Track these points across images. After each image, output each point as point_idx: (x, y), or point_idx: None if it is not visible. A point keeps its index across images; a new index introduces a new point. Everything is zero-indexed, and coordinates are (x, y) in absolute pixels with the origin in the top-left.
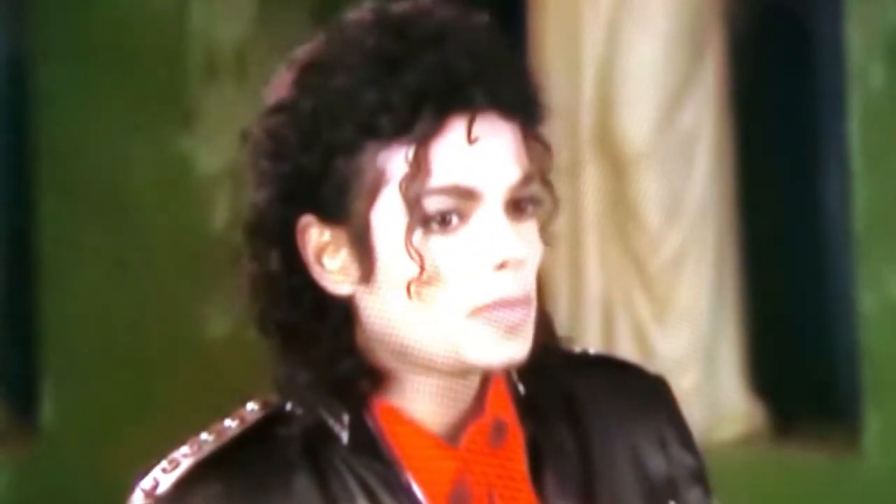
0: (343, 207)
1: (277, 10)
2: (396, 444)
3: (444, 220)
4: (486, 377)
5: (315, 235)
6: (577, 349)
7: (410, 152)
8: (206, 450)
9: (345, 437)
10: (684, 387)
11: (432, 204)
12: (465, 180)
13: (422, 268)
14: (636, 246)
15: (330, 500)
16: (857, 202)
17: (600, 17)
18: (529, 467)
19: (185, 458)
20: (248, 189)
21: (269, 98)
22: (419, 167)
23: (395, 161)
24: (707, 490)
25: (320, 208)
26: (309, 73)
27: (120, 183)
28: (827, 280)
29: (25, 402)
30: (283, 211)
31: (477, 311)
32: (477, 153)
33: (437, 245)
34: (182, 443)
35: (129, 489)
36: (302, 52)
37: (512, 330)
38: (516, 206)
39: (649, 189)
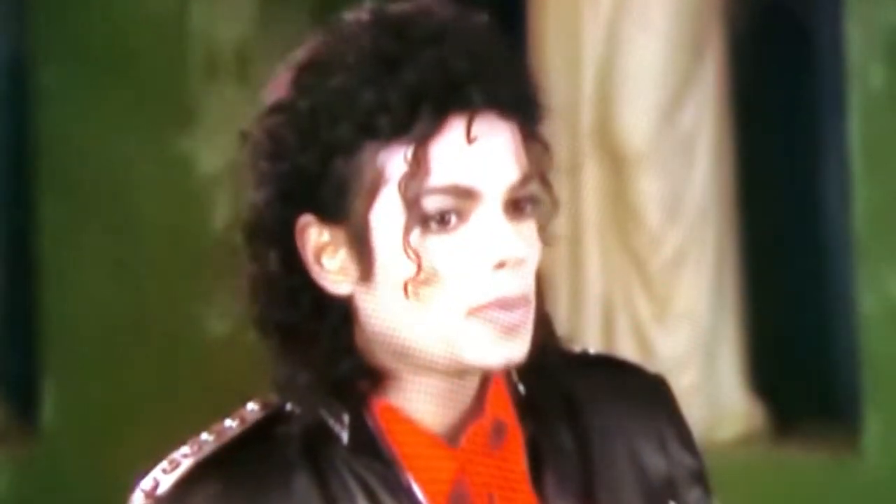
0: (342, 207)
1: (277, 10)
2: (396, 444)
3: (442, 219)
4: (486, 377)
5: (314, 235)
6: (577, 349)
7: (409, 152)
8: (207, 450)
9: (345, 437)
10: (684, 386)
11: (431, 203)
12: (464, 180)
13: (419, 267)
14: (636, 246)
15: (330, 500)
16: (857, 202)
17: (600, 17)
18: (529, 467)
19: (185, 458)
20: (246, 189)
21: (267, 98)
22: (418, 166)
23: (394, 161)
24: (707, 490)
25: (319, 208)
26: (307, 74)
27: (120, 183)
28: (827, 280)
29: (25, 402)
30: (282, 211)
31: (475, 311)
32: (476, 153)
33: (435, 244)
34: (182, 443)
35: (129, 489)
36: (300, 52)
37: (510, 330)
38: (515, 206)
39: (649, 189)
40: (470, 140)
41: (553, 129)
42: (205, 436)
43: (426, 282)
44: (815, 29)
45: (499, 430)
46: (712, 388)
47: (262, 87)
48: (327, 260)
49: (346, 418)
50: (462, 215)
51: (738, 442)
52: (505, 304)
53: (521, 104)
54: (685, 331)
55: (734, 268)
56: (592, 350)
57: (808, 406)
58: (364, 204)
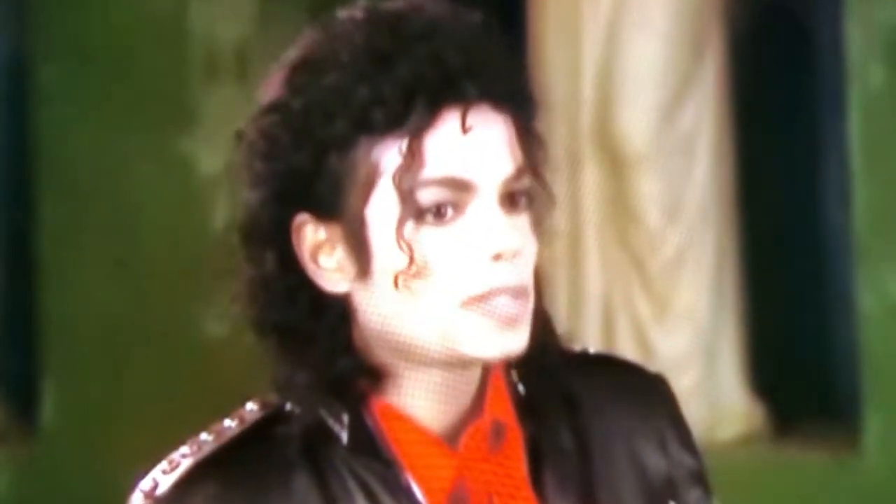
0: (337, 204)
1: (277, 10)
2: (396, 443)
3: (439, 212)
4: (486, 376)
5: (310, 234)
6: (578, 348)
7: (404, 144)
8: (206, 450)
9: (344, 437)
10: (684, 386)
11: (427, 196)
12: (459, 172)
13: (411, 259)
14: (636, 246)
15: (329, 501)
16: (857, 202)
17: (600, 17)
18: (529, 468)
19: (184, 458)
20: (242, 191)
21: (261, 99)
22: (412, 159)
23: (389, 154)
24: (707, 490)
25: (315, 206)
26: (299, 72)
27: (120, 183)
28: (827, 280)
29: (25, 402)
30: (278, 211)
31: (471, 302)
32: (470, 145)
33: (431, 236)
34: (182, 443)
35: (129, 489)
36: (293, 51)
37: (508, 321)
38: (511, 200)
39: (649, 189)
40: (465, 130)
41: (551, 127)
42: (204, 436)
43: (422, 274)
44: (815, 29)
45: (498, 430)
46: (712, 388)
47: (261, 87)
48: (324, 258)
49: (345, 418)
50: (458, 208)
51: (738, 442)
52: (502, 293)
53: (515, 97)
54: (685, 331)
55: (734, 268)
56: (592, 349)
57: (808, 406)
58: (359, 199)
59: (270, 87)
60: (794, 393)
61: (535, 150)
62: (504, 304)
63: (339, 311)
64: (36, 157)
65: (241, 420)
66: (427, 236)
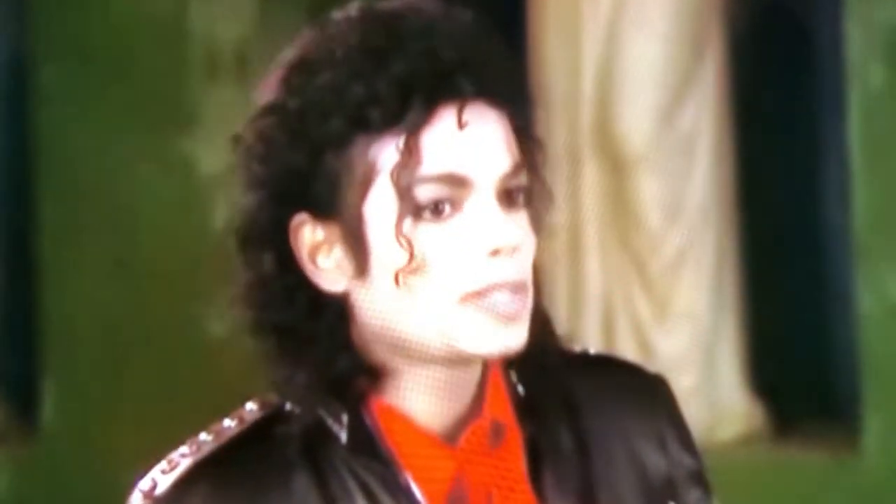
0: (335, 202)
1: (277, 11)
2: (395, 443)
3: (436, 208)
4: (485, 376)
5: (308, 234)
6: (578, 348)
7: (401, 142)
8: (205, 450)
9: (343, 436)
10: (684, 387)
11: (424, 192)
12: (456, 168)
13: (411, 255)
14: (636, 246)
15: (329, 500)
16: (857, 202)
17: (600, 17)
18: (528, 468)
19: (183, 458)
20: (239, 193)
21: (257, 101)
22: (410, 155)
23: (386, 152)
24: (706, 490)
25: (312, 205)
26: (295, 73)
27: (120, 183)
28: (827, 280)
29: (25, 402)
30: (276, 212)
31: (469, 297)
32: (467, 141)
33: (429, 233)
34: (182, 443)
35: (129, 489)
36: (288, 52)
37: (507, 318)
38: (508, 197)
39: (649, 189)
40: (461, 125)
41: (551, 127)
42: (203, 436)
43: (420, 270)
44: (815, 29)
45: (498, 430)
46: (712, 388)
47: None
48: (322, 258)
49: (344, 418)
50: (456, 204)
51: (738, 442)
52: (500, 288)
53: (511, 94)
54: (685, 331)
55: (734, 268)
56: (593, 350)
57: (808, 406)
58: (357, 197)
59: (266, 89)
60: (794, 393)
61: (531, 147)
62: (502, 299)
63: (337, 310)
64: (36, 157)
65: (241, 420)
66: (425, 233)
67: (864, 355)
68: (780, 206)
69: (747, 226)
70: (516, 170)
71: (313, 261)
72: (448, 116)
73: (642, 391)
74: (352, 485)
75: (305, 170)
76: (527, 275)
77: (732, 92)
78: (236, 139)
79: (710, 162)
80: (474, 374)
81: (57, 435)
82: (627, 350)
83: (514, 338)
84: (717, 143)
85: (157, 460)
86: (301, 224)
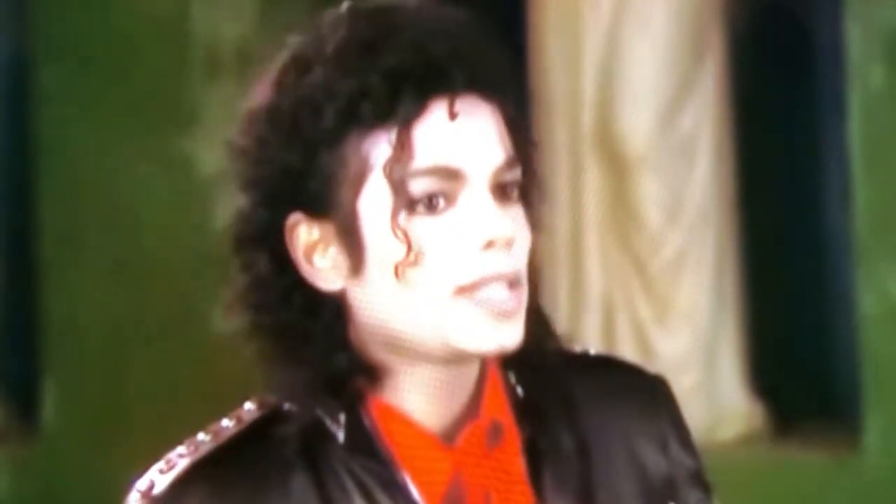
0: (330, 200)
1: (277, 10)
2: (392, 442)
3: (430, 202)
4: (483, 376)
5: (304, 233)
6: (578, 349)
7: (393, 136)
8: (203, 450)
9: (341, 436)
10: (684, 387)
11: (418, 186)
12: (449, 161)
13: (409, 247)
14: (636, 246)
15: (326, 500)
16: (857, 202)
17: (600, 17)
18: (528, 469)
19: (181, 458)
20: (234, 196)
21: (250, 103)
22: (402, 149)
23: (379, 147)
24: (707, 491)
25: (307, 205)
26: (286, 73)
27: (121, 183)
28: (827, 280)
29: (26, 401)
30: (270, 213)
31: (463, 290)
32: (460, 134)
33: (423, 226)
34: (181, 443)
35: (129, 489)
36: (281, 54)
37: (502, 314)
38: (502, 191)
39: (650, 189)
40: (452, 116)
41: (551, 127)
42: (201, 436)
43: (415, 263)
44: (815, 29)
45: (496, 431)
46: (712, 388)
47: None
48: (318, 258)
49: (342, 418)
50: (449, 198)
51: (739, 442)
52: (494, 280)
53: (502, 88)
54: (685, 331)
55: (734, 268)
56: (593, 350)
57: (808, 406)
58: (351, 193)
59: (259, 91)
60: (794, 393)
61: (524, 140)
62: (497, 293)
63: (334, 309)
64: (36, 157)
65: (239, 420)
66: (419, 226)
67: (864, 355)
68: (780, 206)
69: (747, 226)
70: (510, 163)
71: (309, 260)
72: (440, 109)
73: (642, 392)
74: (350, 484)
75: (299, 169)
76: (521, 269)
77: (732, 92)
78: (229, 144)
79: (710, 162)
80: (471, 373)
81: (57, 435)
82: (627, 350)
83: (510, 336)
84: (717, 143)
85: (157, 460)
86: (296, 224)
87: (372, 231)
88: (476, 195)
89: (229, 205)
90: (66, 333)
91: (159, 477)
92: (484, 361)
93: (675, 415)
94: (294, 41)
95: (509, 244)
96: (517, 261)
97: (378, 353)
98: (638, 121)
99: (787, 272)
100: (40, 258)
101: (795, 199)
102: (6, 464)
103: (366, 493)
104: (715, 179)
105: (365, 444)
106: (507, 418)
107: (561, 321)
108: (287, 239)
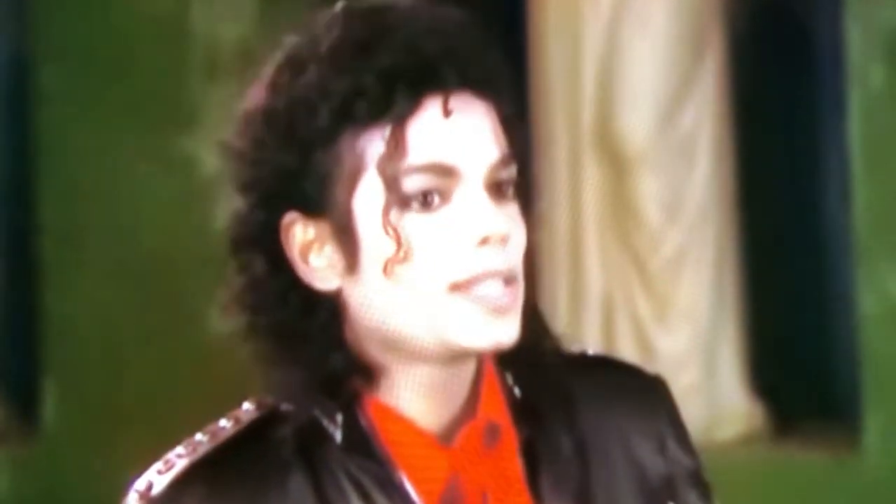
0: (325, 198)
1: (278, 11)
2: (389, 442)
3: (425, 199)
4: (479, 376)
5: (299, 233)
6: (576, 349)
7: (387, 133)
8: (201, 451)
9: (338, 436)
10: (684, 386)
11: (412, 183)
12: (442, 157)
13: (398, 244)
14: (636, 245)
15: (324, 500)
16: (857, 202)
17: (600, 16)
18: (525, 470)
19: (179, 458)
20: (231, 198)
21: (245, 105)
22: (396, 146)
23: (373, 145)
24: (706, 491)
25: (302, 204)
26: (281, 73)
27: (120, 183)
28: (827, 280)
29: (26, 401)
30: (266, 214)
31: (458, 287)
32: (453, 131)
33: (417, 223)
34: (180, 443)
35: (128, 489)
36: (275, 55)
37: (498, 310)
38: (497, 188)
39: (649, 188)
40: (446, 113)
41: (551, 127)
42: (199, 436)
43: (408, 261)
44: (815, 29)
45: (492, 431)
46: (712, 387)
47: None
48: (314, 257)
49: (339, 417)
50: (444, 195)
51: (738, 442)
52: (489, 277)
53: (496, 85)
54: (685, 330)
55: (734, 268)
56: (591, 350)
57: (808, 406)
58: (346, 192)
59: (254, 92)
60: (794, 393)
61: (519, 138)
62: (492, 290)
63: (330, 308)
64: (36, 157)
65: (237, 420)
66: (413, 223)
67: (864, 355)
68: (780, 205)
69: (747, 226)
70: (505, 161)
71: (305, 260)
72: (433, 107)
73: (641, 392)
74: (347, 484)
75: (295, 168)
76: (517, 266)
77: (732, 92)
78: (224, 146)
79: (710, 161)
80: (468, 373)
81: (57, 435)
82: (627, 348)
83: (506, 332)
84: (717, 143)
85: (156, 460)
86: (292, 223)
87: (367, 229)
88: (471, 192)
89: (229, 205)
90: (66, 333)
91: (158, 477)
92: (480, 361)
93: (673, 415)
94: (288, 41)
95: (504, 241)
96: (512, 257)
97: (375, 353)
98: (638, 119)
99: (787, 272)
100: (40, 258)
101: (795, 199)
102: (6, 464)
103: (363, 493)
104: (715, 178)
105: (362, 444)
106: (504, 419)
107: (561, 319)
108: (283, 239)
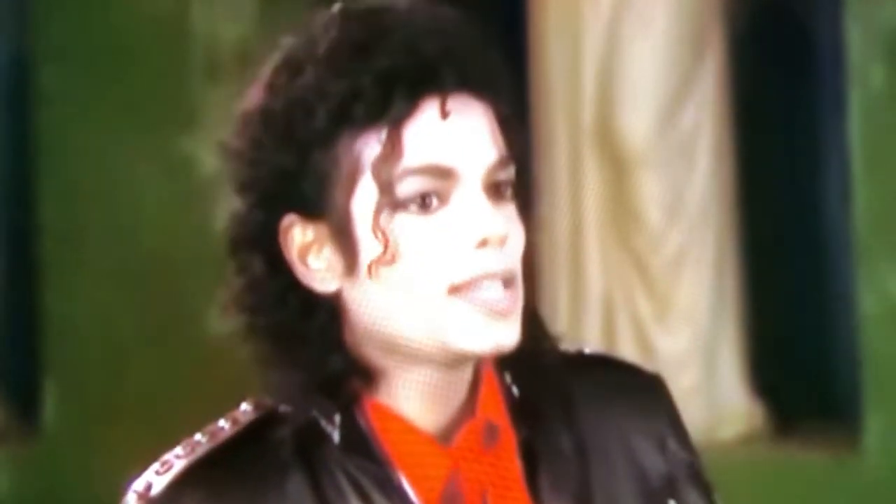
0: (323, 200)
1: (278, 11)
2: (388, 442)
3: (423, 201)
4: (478, 377)
5: (298, 235)
6: (574, 348)
7: (383, 135)
8: (200, 452)
9: (336, 437)
10: (684, 386)
11: (410, 185)
12: (440, 159)
13: (385, 246)
14: (637, 245)
15: (323, 501)
16: (857, 202)
17: (600, 16)
18: (524, 470)
19: (178, 459)
20: (229, 199)
21: (243, 106)
22: (392, 149)
23: (371, 147)
24: (706, 488)
25: (301, 205)
26: (278, 74)
27: (121, 183)
28: (827, 280)
29: (26, 401)
30: (265, 215)
31: (457, 289)
32: (451, 132)
33: (414, 225)
34: (179, 443)
35: (128, 489)
36: (273, 56)
37: (498, 313)
38: (496, 190)
39: (650, 189)
40: (444, 115)
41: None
42: (198, 437)
43: (404, 263)
44: (815, 29)
45: (491, 431)
46: (712, 388)
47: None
48: (313, 259)
49: (337, 418)
50: (442, 198)
51: (739, 442)
52: (488, 278)
53: (494, 86)
54: (685, 330)
55: (734, 268)
56: (588, 349)
57: (808, 406)
58: (344, 194)
59: (252, 93)
60: (794, 393)
61: (517, 139)
62: (491, 291)
63: (329, 310)
64: (36, 157)
65: (235, 421)
66: (411, 225)
67: (864, 355)
68: (781, 205)
69: (747, 226)
70: (503, 162)
71: (304, 262)
72: (431, 109)
73: (640, 391)
74: (346, 485)
75: (293, 170)
76: (516, 267)
77: (732, 92)
78: (223, 147)
79: (710, 162)
80: (467, 375)
81: (57, 435)
82: (627, 349)
83: (506, 335)
84: (717, 143)
85: (155, 460)
86: (290, 225)
87: (364, 232)
88: (469, 194)
89: (228, 205)
90: (66, 333)
91: (156, 478)
92: (479, 362)
93: (672, 413)
94: (286, 42)
95: (503, 242)
96: (511, 259)
97: (374, 355)
98: (638, 120)
99: (787, 272)
100: (40, 258)
101: (795, 199)
102: (6, 464)
103: (362, 493)
104: (715, 178)
105: (360, 445)
106: (502, 419)
107: (561, 320)
108: (281, 241)
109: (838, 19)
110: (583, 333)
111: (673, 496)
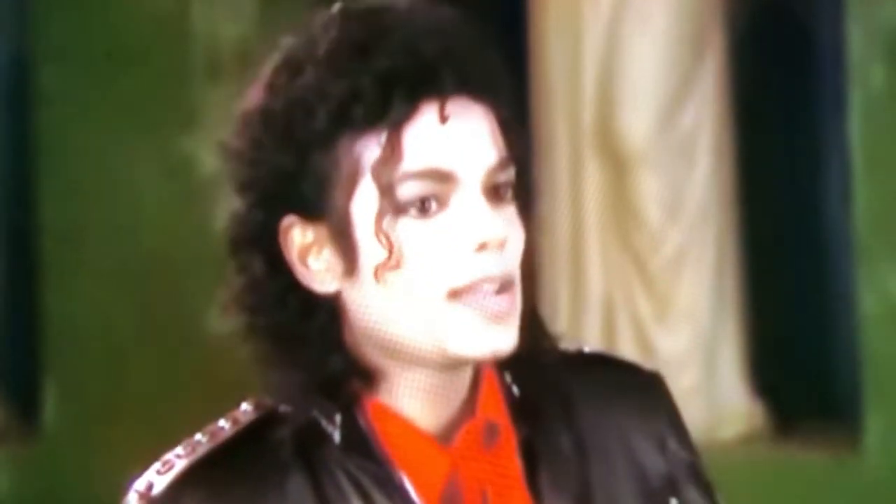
0: (323, 202)
1: (278, 11)
2: (388, 442)
3: (423, 205)
4: (478, 377)
5: (298, 236)
6: (573, 347)
7: (383, 138)
8: (200, 451)
9: (337, 436)
10: (684, 386)
11: (410, 188)
12: (440, 163)
13: (390, 251)
14: (637, 245)
15: (323, 501)
16: (857, 202)
17: (601, 16)
18: (524, 469)
19: (179, 459)
20: (229, 199)
21: (243, 106)
22: (391, 152)
23: (370, 149)
24: (707, 487)
25: (301, 207)
26: (278, 75)
27: (121, 183)
28: (827, 280)
29: (26, 401)
30: (265, 215)
31: (456, 294)
32: (451, 135)
33: (414, 229)
34: (179, 443)
35: (128, 489)
36: (273, 56)
37: (496, 317)
38: (495, 192)
39: (650, 188)
40: (443, 119)
41: (551, 126)
42: (199, 437)
43: (406, 268)
44: (815, 29)
45: (491, 431)
46: (712, 387)
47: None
48: (312, 260)
49: (337, 418)
50: (442, 201)
51: (739, 442)
52: (487, 282)
53: (493, 88)
54: (685, 330)
55: (734, 268)
56: (587, 348)
57: (808, 406)
58: (344, 196)
59: (252, 93)
60: (794, 393)
61: (517, 141)
62: (490, 296)
63: (329, 311)
64: (36, 157)
65: (235, 421)
66: (410, 229)
67: (864, 355)
68: (781, 205)
69: (747, 226)
70: (503, 164)
71: (304, 262)
72: (430, 111)
73: (640, 390)
74: (346, 485)
75: (293, 171)
76: (514, 270)
77: (732, 92)
78: (222, 147)
79: (710, 161)
80: (465, 377)
81: (57, 435)
82: (627, 348)
83: (504, 339)
84: (717, 143)
85: (156, 460)
86: (290, 226)
87: (364, 234)
88: (468, 197)
89: (228, 206)
90: (66, 333)
91: (157, 478)
92: (478, 364)
93: (672, 412)
94: (286, 42)
95: (502, 246)
96: (510, 263)
97: (373, 356)
98: (638, 119)
99: (787, 272)
100: (40, 258)
101: (795, 199)
102: (6, 464)
103: (362, 493)
104: (715, 178)
105: (361, 445)
106: (502, 419)
107: (561, 320)
108: (281, 241)
109: (838, 19)
110: (583, 333)
111: (674, 494)
